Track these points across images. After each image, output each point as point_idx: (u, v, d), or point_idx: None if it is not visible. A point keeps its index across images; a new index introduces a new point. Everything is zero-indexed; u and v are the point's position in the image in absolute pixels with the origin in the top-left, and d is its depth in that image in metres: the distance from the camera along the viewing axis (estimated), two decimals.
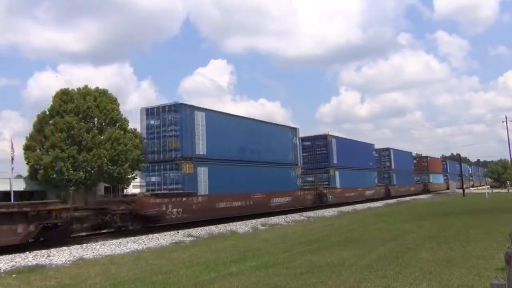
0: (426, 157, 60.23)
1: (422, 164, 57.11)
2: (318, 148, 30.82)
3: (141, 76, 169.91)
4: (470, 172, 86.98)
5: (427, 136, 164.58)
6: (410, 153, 54.62)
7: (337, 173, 31.20)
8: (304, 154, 29.83)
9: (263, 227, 17.91)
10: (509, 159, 65.60)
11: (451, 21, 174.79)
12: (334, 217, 22.93)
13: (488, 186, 51.06)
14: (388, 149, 45.41)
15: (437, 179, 61.64)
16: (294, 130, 26.19)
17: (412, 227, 15.32)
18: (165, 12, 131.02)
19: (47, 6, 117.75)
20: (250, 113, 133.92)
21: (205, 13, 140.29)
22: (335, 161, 31.00)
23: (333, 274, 7.34)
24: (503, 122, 60.23)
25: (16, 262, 10.02)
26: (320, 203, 28.05)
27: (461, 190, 46.66)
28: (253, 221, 19.69)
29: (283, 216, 22.10)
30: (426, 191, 54.15)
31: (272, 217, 21.42)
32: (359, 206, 30.83)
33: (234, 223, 18.56)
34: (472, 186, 78.92)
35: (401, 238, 12.14)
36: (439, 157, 76.70)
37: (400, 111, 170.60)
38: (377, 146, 42.49)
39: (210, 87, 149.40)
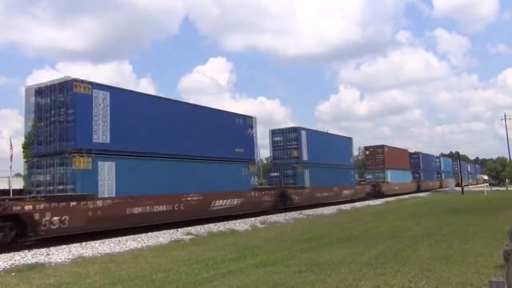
0: (382, 146, 42.76)
1: (377, 156, 41.91)
2: None
3: (141, 74, 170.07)
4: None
5: (426, 134, 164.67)
6: (349, 139, 35.84)
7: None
8: None
9: (262, 225, 17.96)
10: (508, 157, 65.91)
11: (450, 19, 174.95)
12: (333, 215, 22.99)
13: (487, 184, 50.74)
14: (296, 130, 27.05)
15: (400, 178, 44.87)
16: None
17: (411, 225, 15.37)
18: (165, 11, 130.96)
19: (45, 4, 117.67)
20: (250, 111, 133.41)
21: (204, 11, 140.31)
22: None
23: (332, 271, 7.36)
24: (502, 120, 60.58)
25: (15, 260, 10.01)
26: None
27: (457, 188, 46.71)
28: (252, 219, 19.75)
29: (282, 215, 22.14)
30: (378, 194, 38.26)
31: (271, 215, 21.47)
32: (358, 204, 30.86)
33: (234, 221, 18.60)
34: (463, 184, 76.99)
35: (400, 236, 12.19)
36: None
37: (399, 109, 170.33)
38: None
39: (210, 85, 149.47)
